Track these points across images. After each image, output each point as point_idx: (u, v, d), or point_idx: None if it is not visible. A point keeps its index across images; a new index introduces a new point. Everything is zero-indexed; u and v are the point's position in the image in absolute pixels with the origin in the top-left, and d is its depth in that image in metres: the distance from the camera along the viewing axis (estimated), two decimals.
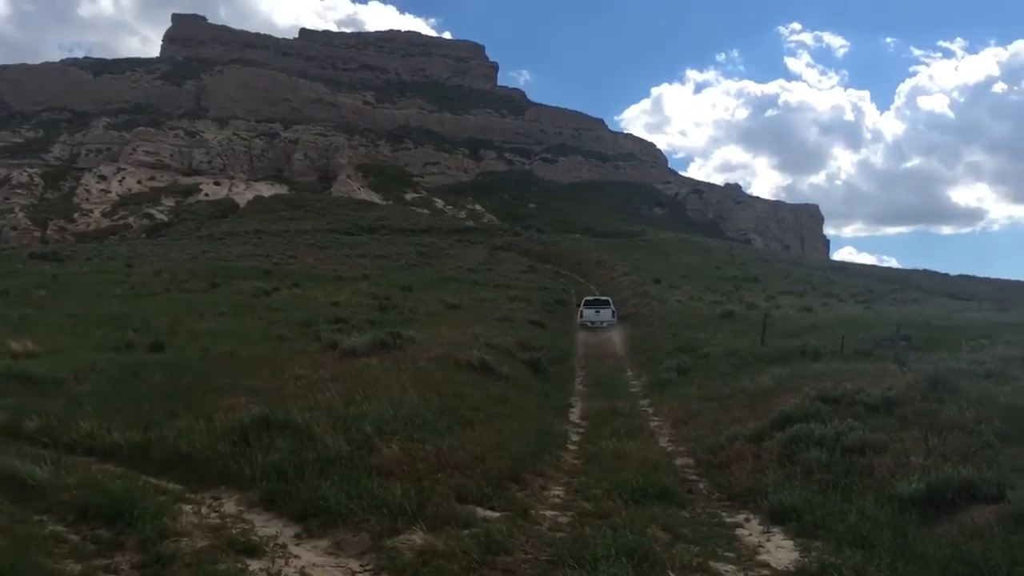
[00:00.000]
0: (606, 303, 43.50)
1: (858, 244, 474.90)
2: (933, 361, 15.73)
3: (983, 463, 8.56)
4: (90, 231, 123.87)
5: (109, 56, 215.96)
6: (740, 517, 8.93)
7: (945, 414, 10.46)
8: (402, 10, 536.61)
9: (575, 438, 13.86)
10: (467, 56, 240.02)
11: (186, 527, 7.41)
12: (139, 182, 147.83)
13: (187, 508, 8.13)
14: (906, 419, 10.77)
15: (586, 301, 44.51)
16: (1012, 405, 10.65)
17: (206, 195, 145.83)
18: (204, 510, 8.17)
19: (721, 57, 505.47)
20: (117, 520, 7.40)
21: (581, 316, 42.22)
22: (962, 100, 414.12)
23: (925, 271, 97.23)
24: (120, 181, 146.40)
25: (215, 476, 9.20)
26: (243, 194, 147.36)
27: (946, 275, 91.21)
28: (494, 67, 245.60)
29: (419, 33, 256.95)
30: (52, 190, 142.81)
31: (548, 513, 8.76)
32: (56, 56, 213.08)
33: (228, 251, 79.25)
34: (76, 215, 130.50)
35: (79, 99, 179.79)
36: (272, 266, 60.32)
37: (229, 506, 8.43)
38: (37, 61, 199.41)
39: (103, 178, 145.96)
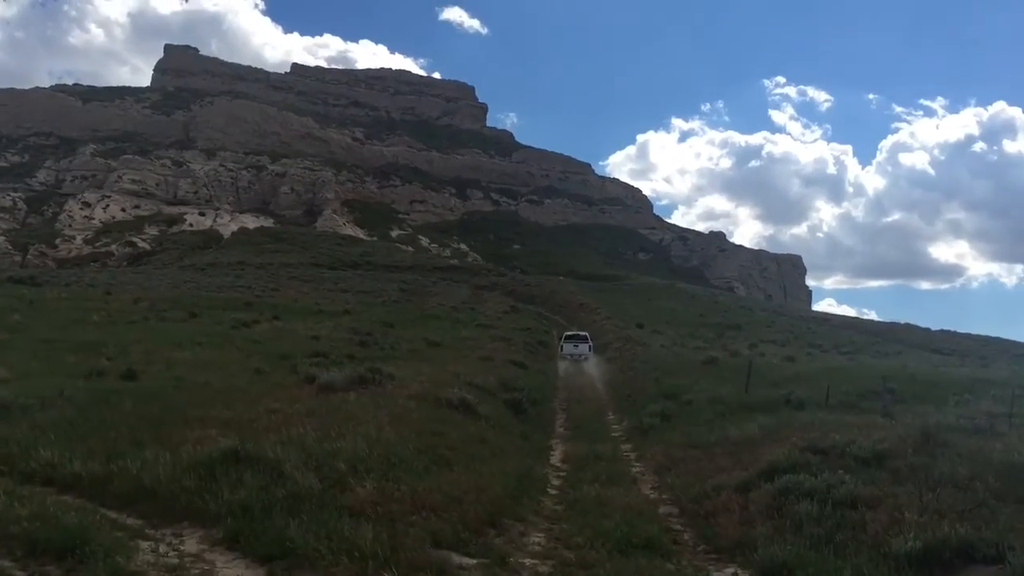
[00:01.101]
0: (584, 338, 49.77)
1: (839, 296, 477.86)
2: (920, 415, 15.49)
3: (980, 522, 8.24)
4: (71, 257, 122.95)
5: (99, 84, 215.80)
6: (728, 571, 8.55)
7: (938, 469, 10.15)
8: (392, 50, 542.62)
9: (556, 482, 13.45)
10: (457, 96, 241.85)
11: (141, 566, 6.97)
12: (123, 210, 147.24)
13: (145, 545, 7.68)
14: (899, 473, 10.44)
15: (566, 336, 51.37)
16: (1006, 462, 10.35)
17: (190, 225, 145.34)
18: (163, 548, 7.71)
19: (706, 107, 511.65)
20: (68, 556, 6.94)
21: (562, 349, 48.05)
22: (943, 158, 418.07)
23: (906, 324, 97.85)
24: (104, 208, 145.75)
25: (178, 512, 8.70)
26: (228, 225, 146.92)
27: (927, 329, 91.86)
28: (483, 108, 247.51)
29: (410, 72, 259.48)
30: (35, 215, 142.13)
31: (527, 561, 8.36)
32: (46, 83, 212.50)
33: (210, 281, 78.94)
34: (58, 241, 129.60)
35: (67, 125, 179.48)
36: (253, 298, 60.07)
37: (190, 544, 7.96)
38: (27, 87, 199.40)
39: (87, 205, 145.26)
